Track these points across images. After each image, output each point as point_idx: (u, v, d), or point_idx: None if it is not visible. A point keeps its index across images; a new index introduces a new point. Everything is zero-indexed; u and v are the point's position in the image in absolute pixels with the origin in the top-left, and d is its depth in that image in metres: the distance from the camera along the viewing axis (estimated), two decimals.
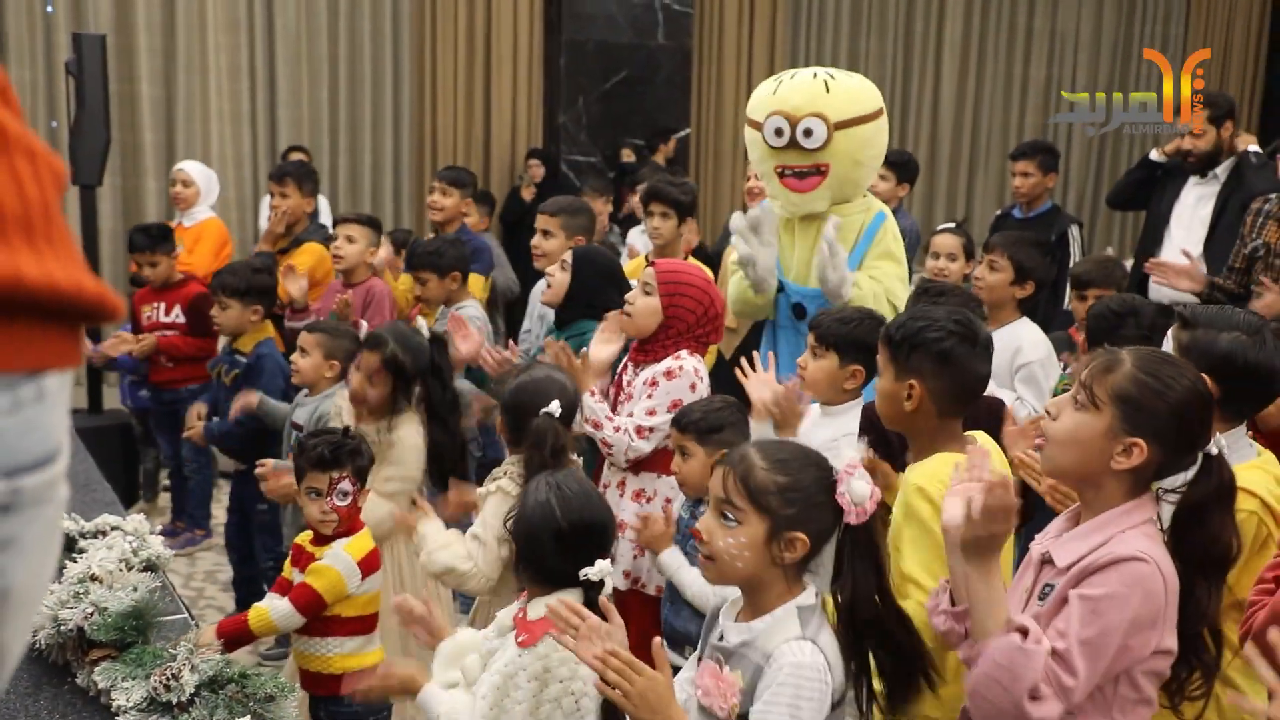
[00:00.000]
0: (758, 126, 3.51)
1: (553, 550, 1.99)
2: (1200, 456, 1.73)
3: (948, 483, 2.12)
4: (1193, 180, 4.79)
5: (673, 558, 2.70)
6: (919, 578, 2.05)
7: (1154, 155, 5.08)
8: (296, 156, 7.25)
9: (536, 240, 4.02)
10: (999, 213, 5.64)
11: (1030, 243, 3.90)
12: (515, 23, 8.65)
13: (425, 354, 3.17)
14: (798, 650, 1.69)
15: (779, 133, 3.39)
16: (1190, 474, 1.74)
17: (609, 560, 1.93)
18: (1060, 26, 10.22)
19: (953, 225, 4.57)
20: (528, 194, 8.13)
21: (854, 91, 3.45)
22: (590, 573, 1.90)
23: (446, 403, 3.18)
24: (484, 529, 2.63)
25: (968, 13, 9.99)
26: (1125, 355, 1.75)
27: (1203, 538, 1.72)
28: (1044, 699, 1.59)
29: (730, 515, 1.74)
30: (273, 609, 2.54)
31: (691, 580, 2.62)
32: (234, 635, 2.47)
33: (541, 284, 3.98)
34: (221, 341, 4.42)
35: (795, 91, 3.42)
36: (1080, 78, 10.31)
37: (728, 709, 1.71)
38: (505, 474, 2.68)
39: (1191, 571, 1.70)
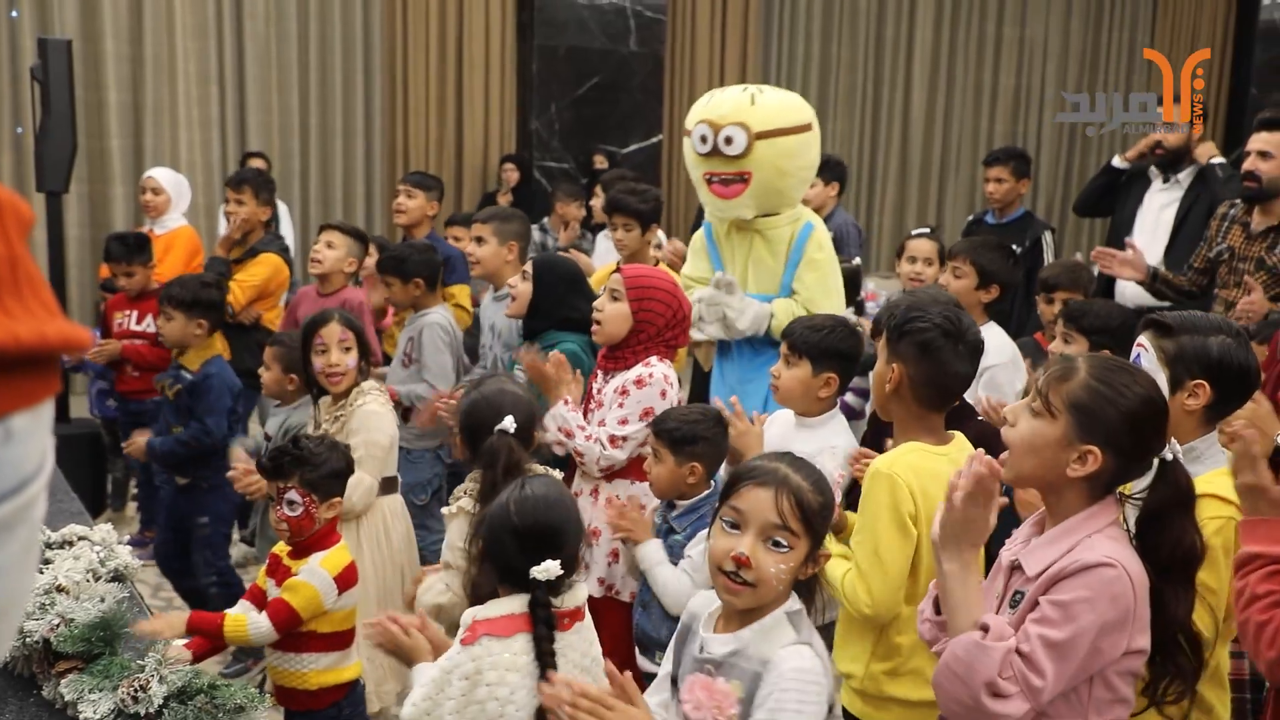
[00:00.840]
0: (688, 134, 3.71)
1: (511, 550, 1.99)
2: (1156, 462, 1.75)
3: (913, 468, 2.19)
4: (1156, 186, 4.84)
5: (655, 550, 2.68)
6: (851, 550, 2.25)
7: (1117, 162, 5.13)
8: (255, 163, 7.22)
9: (470, 247, 4.01)
10: (971, 218, 5.68)
11: (993, 247, 3.94)
12: (487, 28, 8.64)
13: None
14: (798, 655, 1.71)
15: (703, 140, 3.58)
16: (1149, 479, 1.76)
17: (558, 563, 1.91)
18: (1029, 35, 10.31)
19: (927, 230, 4.59)
20: (503, 200, 8.12)
21: (779, 105, 3.60)
22: (536, 571, 1.90)
23: None
24: (452, 554, 2.61)
25: (938, 21, 10.06)
26: (1080, 363, 1.77)
27: (1166, 542, 1.73)
28: (1009, 697, 1.61)
29: (784, 541, 1.72)
30: (251, 621, 2.50)
31: (668, 578, 2.61)
32: (206, 631, 2.44)
33: (487, 298, 4.00)
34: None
35: (723, 103, 3.62)
36: (1049, 85, 10.41)
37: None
38: (466, 492, 2.66)
39: (1159, 576, 1.72)
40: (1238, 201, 4.17)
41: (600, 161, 8.69)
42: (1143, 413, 1.72)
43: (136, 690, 1.90)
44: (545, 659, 1.92)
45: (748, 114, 3.52)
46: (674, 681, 1.85)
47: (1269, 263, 3.99)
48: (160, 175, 5.47)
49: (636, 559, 2.72)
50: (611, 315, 3.06)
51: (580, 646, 2.04)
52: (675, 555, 2.66)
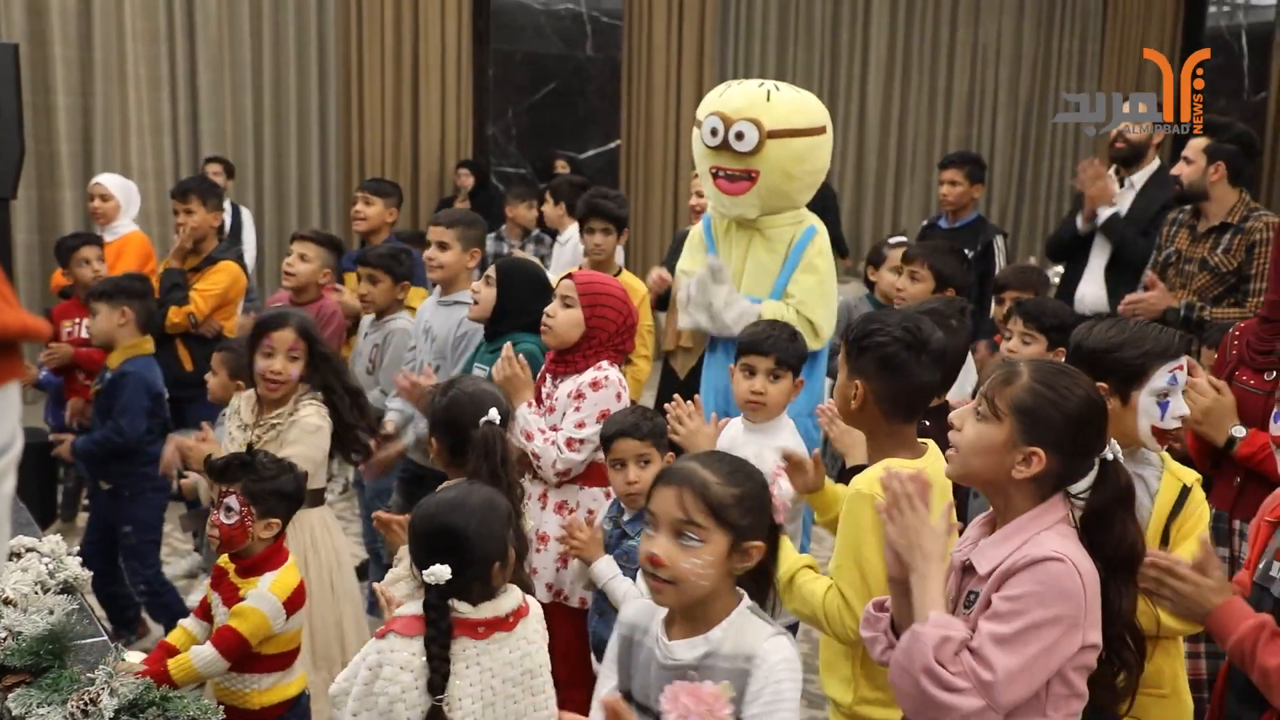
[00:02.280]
0: (699, 125, 3.60)
1: (415, 551, 2.02)
2: (1098, 463, 1.79)
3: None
4: (1112, 190, 4.88)
5: (607, 567, 2.68)
6: (835, 572, 2.22)
7: (1080, 226, 4.94)
8: (213, 169, 7.14)
9: (431, 252, 3.91)
10: (925, 223, 5.72)
11: (947, 251, 3.98)
12: (443, 33, 8.60)
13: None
14: (784, 645, 1.74)
15: (714, 132, 3.46)
16: (1091, 479, 1.80)
17: (447, 568, 1.93)
18: (982, 39, 10.43)
19: (904, 238, 4.62)
20: (460, 206, 8.08)
21: (794, 105, 3.49)
22: (425, 575, 1.93)
23: (346, 387, 3.20)
24: None
25: (892, 26, 10.15)
26: (1023, 367, 1.81)
27: (1110, 540, 1.77)
28: (959, 691, 1.62)
29: (693, 535, 1.72)
30: (195, 655, 2.44)
31: (625, 591, 2.61)
32: (153, 677, 2.33)
33: (430, 301, 3.93)
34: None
35: (737, 96, 3.49)
36: (1002, 89, 10.53)
37: None
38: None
39: (1103, 574, 1.75)
40: (1186, 207, 4.27)
41: (561, 166, 8.68)
42: (1084, 414, 1.76)
43: (86, 704, 1.88)
44: (435, 663, 1.93)
45: (762, 110, 3.41)
46: (627, 696, 1.83)
47: (1211, 263, 4.07)
48: (108, 181, 5.41)
49: (593, 578, 2.72)
50: (563, 321, 3.07)
51: (504, 656, 2.03)
52: (633, 560, 2.65)
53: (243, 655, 2.47)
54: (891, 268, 4.36)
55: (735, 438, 2.89)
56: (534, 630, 2.10)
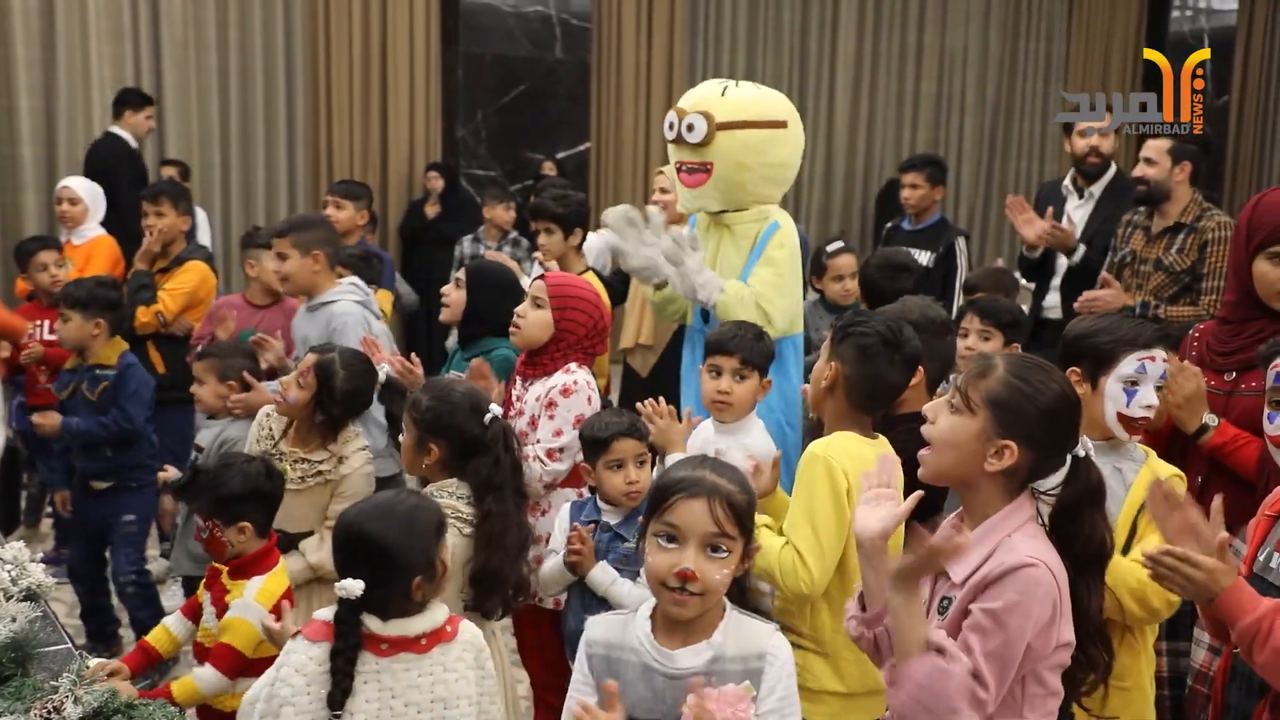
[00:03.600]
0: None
1: (335, 558, 1.98)
2: (1069, 459, 1.80)
3: (846, 452, 2.28)
4: (1071, 203, 4.90)
5: (604, 573, 2.63)
6: (789, 530, 2.35)
7: (1026, 254, 4.88)
8: (169, 172, 7.09)
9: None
10: (889, 225, 5.75)
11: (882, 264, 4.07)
12: (411, 35, 8.57)
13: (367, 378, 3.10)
14: (785, 642, 1.80)
15: (670, 127, 3.51)
16: (1062, 475, 1.81)
17: (360, 583, 1.87)
18: (949, 43, 10.51)
19: (843, 244, 4.63)
20: (431, 210, 8.06)
21: (749, 99, 3.50)
22: (337, 587, 1.88)
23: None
24: None
25: (860, 30, 10.21)
26: (998, 361, 1.82)
27: (1079, 537, 1.78)
28: (961, 714, 1.62)
29: (724, 547, 1.75)
30: (198, 678, 2.46)
31: (627, 594, 2.58)
32: (158, 698, 2.33)
33: (300, 311, 3.86)
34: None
35: (696, 92, 3.56)
36: (969, 93, 10.61)
37: None
38: (442, 494, 2.57)
39: (1073, 571, 1.76)
40: (1140, 209, 4.32)
41: (548, 168, 8.66)
42: (1058, 408, 1.77)
43: (50, 712, 1.86)
44: (338, 677, 1.87)
45: (714, 104, 3.45)
46: None
47: (1165, 263, 4.12)
48: (76, 185, 5.35)
49: (589, 584, 2.65)
50: (533, 322, 3.06)
51: (410, 679, 1.93)
52: (634, 562, 2.60)
53: (245, 664, 2.47)
54: (834, 276, 4.40)
55: (706, 438, 2.89)
56: (457, 659, 1.98)
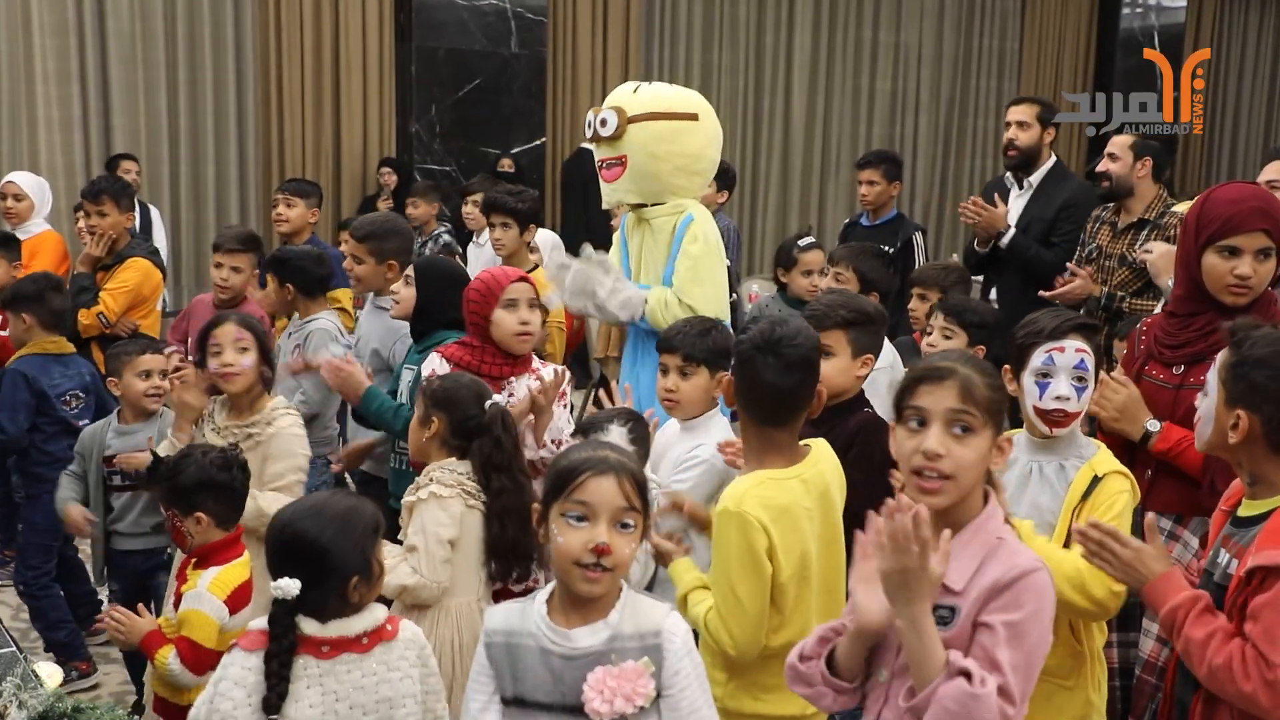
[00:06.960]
0: None
1: (269, 559, 1.94)
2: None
3: (761, 502, 2.16)
4: (1014, 194, 4.93)
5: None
6: (713, 587, 2.23)
7: (976, 247, 4.89)
8: (127, 166, 6.96)
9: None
10: (848, 221, 5.78)
11: (872, 254, 4.02)
12: (364, 29, 8.48)
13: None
14: (680, 621, 1.82)
15: (588, 125, 3.75)
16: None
17: (297, 583, 1.84)
18: (904, 41, 10.57)
19: (814, 240, 4.63)
20: (384, 205, 7.98)
21: (659, 94, 3.68)
22: (272, 587, 1.86)
23: None
24: (421, 536, 2.58)
25: (816, 27, 10.25)
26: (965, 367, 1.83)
27: None
28: None
29: (631, 522, 1.79)
30: (173, 666, 2.47)
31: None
32: (148, 648, 2.49)
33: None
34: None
35: (613, 93, 3.79)
36: (924, 89, 10.69)
37: (644, 698, 1.73)
38: (432, 479, 2.64)
39: None
40: (1109, 205, 4.37)
41: (505, 165, 8.62)
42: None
43: None
44: (272, 680, 1.83)
45: (625, 100, 3.65)
46: (518, 702, 1.80)
47: (1130, 258, 4.17)
48: (21, 180, 5.25)
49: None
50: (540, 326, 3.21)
51: (354, 680, 1.90)
52: None
53: (210, 657, 2.42)
54: (803, 271, 4.40)
55: (670, 437, 2.89)
56: (400, 657, 1.96)
